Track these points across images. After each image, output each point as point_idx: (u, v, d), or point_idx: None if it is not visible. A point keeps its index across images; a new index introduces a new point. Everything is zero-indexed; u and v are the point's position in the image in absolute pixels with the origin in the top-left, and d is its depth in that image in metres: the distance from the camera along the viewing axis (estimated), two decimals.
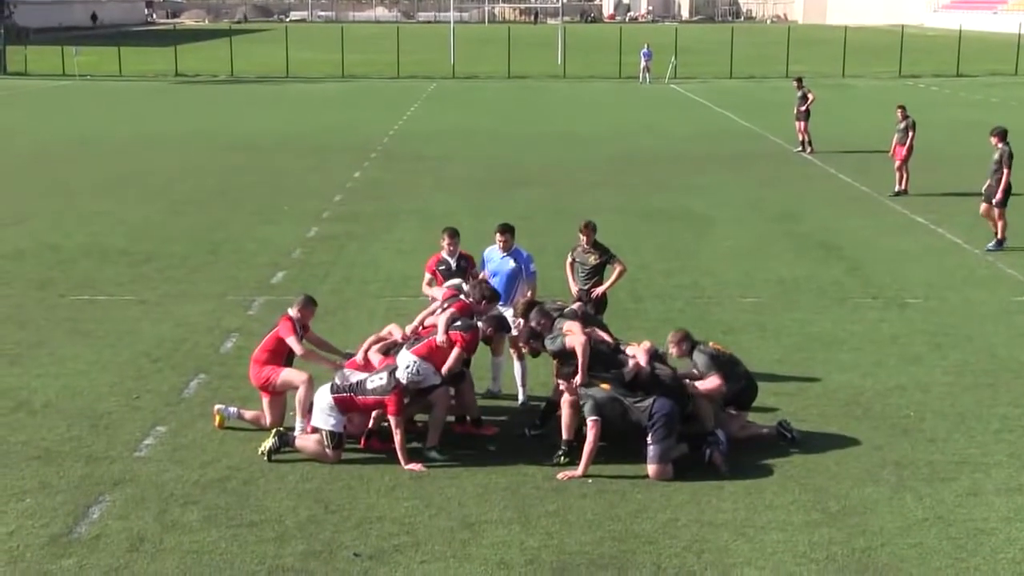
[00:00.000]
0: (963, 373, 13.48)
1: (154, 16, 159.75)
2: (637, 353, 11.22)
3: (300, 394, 11.35)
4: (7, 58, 65.27)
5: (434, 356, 11.10)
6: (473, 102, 49.50)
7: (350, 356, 11.70)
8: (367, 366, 11.32)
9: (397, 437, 10.71)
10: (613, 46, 68.15)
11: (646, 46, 61.04)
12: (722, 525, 9.53)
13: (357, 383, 10.91)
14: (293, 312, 11.73)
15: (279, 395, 11.60)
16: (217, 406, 11.72)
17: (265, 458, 10.77)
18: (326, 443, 10.79)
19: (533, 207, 23.70)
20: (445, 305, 11.67)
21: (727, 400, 11.44)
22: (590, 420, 10.53)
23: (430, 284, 12.82)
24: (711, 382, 11.19)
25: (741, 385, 11.46)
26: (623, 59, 64.05)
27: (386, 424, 11.12)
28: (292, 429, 11.21)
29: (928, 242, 20.86)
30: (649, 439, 10.48)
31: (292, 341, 11.50)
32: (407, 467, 10.61)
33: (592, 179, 28.04)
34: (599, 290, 13.21)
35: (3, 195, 25.59)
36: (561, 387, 11.13)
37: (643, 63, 60.32)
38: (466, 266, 12.84)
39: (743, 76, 62.90)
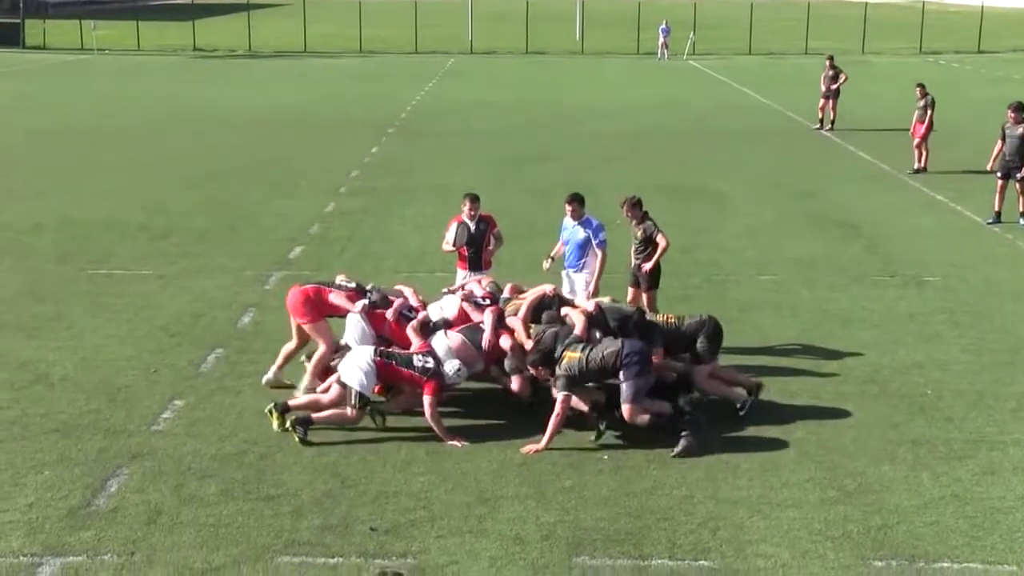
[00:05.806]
0: (981, 352, 13.43)
1: None
2: (577, 299, 11.98)
3: (319, 353, 11.59)
4: (25, 32, 65.35)
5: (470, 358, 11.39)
6: (491, 78, 49.36)
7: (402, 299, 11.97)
8: (396, 330, 11.54)
9: (435, 421, 10.80)
10: (631, 22, 67.86)
11: (664, 22, 60.77)
12: (738, 502, 9.53)
13: (400, 354, 11.02)
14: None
15: (323, 321, 11.72)
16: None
17: (301, 443, 10.65)
18: (351, 401, 10.80)
19: (551, 182, 23.63)
20: (506, 299, 11.98)
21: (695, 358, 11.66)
22: (561, 395, 10.59)
23: (452, 244, 13.22)
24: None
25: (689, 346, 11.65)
26: (641, 35, 63.76)
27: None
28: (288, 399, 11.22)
29: (947, 220, 20.76)
30: (622, 376, 10.53)
31: (350, 306, 11.68)
32: (449, 442, 10.65)
33: (610, 154, 27.97)
34: (647, 266, 13.45)
35: (22, 169, 25.68)
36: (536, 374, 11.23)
37: (661, 39, 60.07)
38: (486, 228, 13.24)
39: (762, 52, 62.57)
